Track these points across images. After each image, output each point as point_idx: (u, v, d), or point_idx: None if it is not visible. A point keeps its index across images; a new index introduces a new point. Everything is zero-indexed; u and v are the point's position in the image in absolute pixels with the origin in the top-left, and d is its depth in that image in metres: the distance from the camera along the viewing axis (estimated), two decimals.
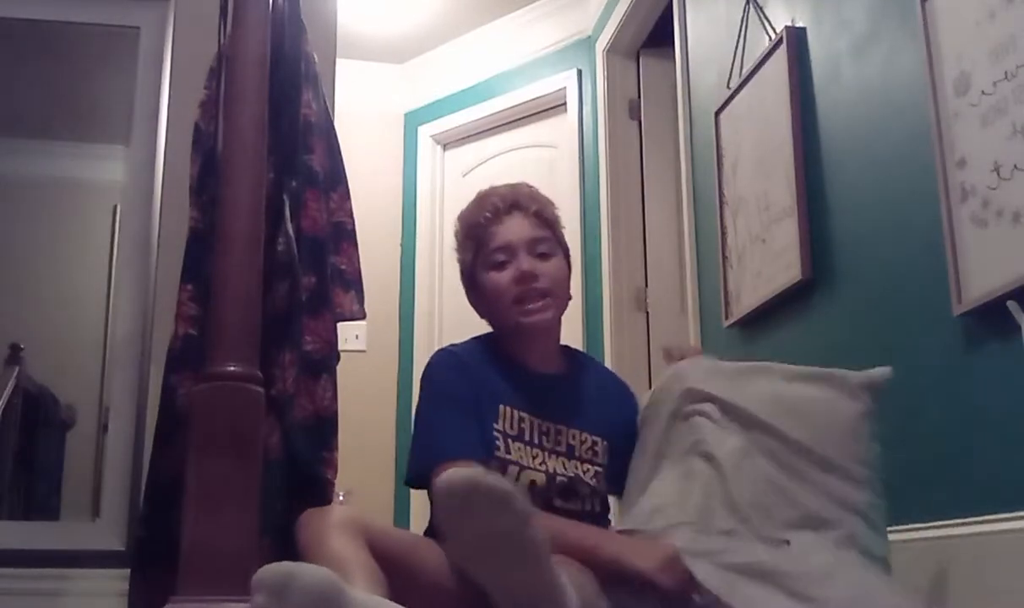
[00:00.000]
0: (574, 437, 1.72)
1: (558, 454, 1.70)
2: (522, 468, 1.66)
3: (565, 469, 1.69)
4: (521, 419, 1.69)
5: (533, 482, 1.66)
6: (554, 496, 1.66)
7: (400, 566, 1.48)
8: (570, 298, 1.82)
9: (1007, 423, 1.68)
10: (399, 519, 4.28)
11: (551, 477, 1.67)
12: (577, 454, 1.71)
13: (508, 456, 1.66)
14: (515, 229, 1.75)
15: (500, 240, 1.74)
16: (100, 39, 2.69)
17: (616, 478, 1.78)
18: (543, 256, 1.75)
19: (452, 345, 1.83)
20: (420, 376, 1.77)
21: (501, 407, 1.68)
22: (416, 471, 1.68)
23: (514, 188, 1.81)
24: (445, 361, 1.75)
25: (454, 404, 1.67)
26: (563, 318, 1.82)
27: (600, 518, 1.74)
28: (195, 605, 1.36)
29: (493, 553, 1.27)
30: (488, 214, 1.76)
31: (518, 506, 1.25)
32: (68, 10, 2.62)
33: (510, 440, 1.67)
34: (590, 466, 1.72)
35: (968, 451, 1.78)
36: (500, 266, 1.74)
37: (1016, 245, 1.65)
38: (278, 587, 1.14)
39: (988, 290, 1.71)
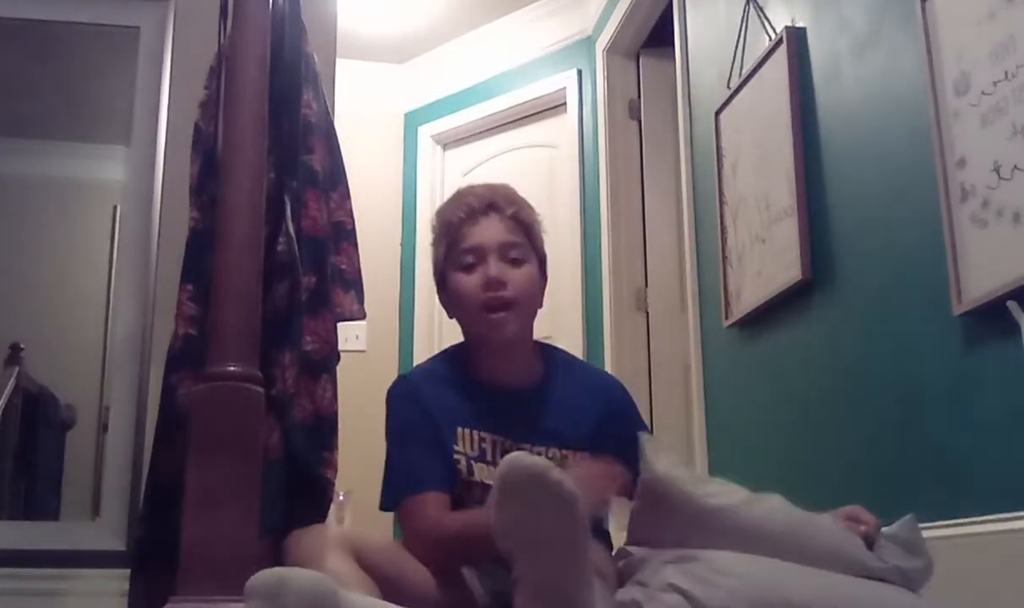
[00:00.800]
0: (539, 454, 1.61)
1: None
2: (486, 488, 1.60)
3: None
4: (482, 439, 1.65)
5: None
6: None
7: (388, 579, 1.48)
8: (540, 306, 1.75)
9: (1007, 423, 1.68)
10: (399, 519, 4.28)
11: None
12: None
13: (472, 478, 1.63)
14: (488, 231, 1.69)
15: (471, 241, 1.69)
16: (100, 39, 2.69)
17: None
18: (515, 262, 1.68)
19: (412, 370, 1.82)
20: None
21: (459, 430, 1.65)
22: (390, 502, 1.69)
23: (492, 188, 1.75)
24: (399, 392, 1.74)
25: (414, 436, 1.66)
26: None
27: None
28: (195, 605, 1.36)
29: (544, 541, 1.25)
30: (462, 213, 1.70)
31: (574, 496, 1.23)
32: (68, 10, 2.62)
33: (472, 461, 1.64)
34: None
35: (968, 451, 1.78)
36: (469, 268, 1.68)
37: (1016, 245, 1.65)
38: (271, 592, 1.13)
39: (988, 290, 1.71)
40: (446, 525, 1.57)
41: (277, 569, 1.17)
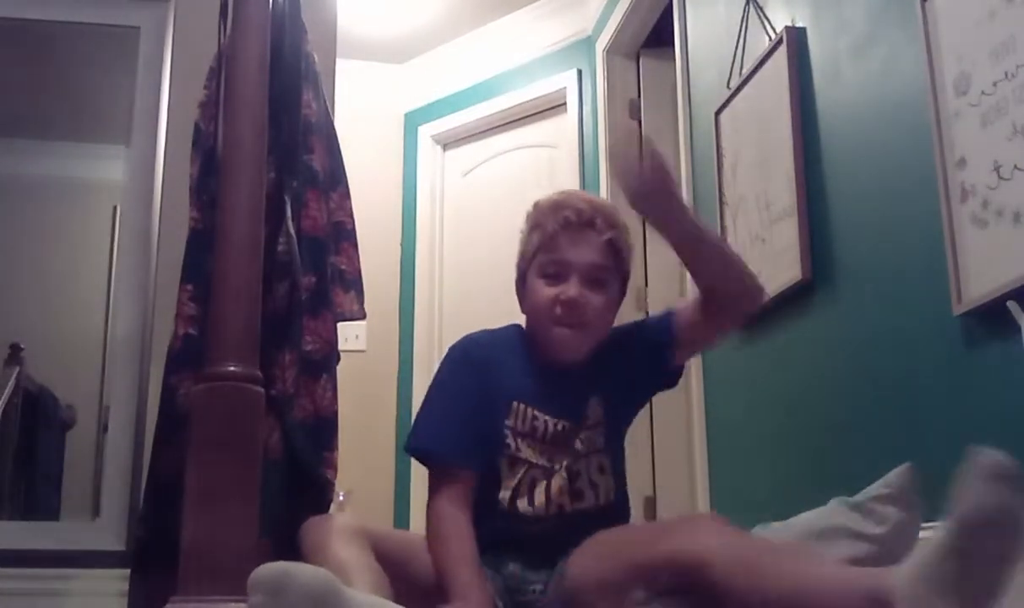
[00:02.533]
0: (582, 431, 1.68)
1: (567, 452, 1.66)
2: (531, 466, 1.64)
3: (573, 466, 1.66)
4: (534, 417, 1.66)
5: (543, 481, 1.64)
6: (564, 498, 1.64)
7: (403, 569, 1.51)
8: (611, 324, 1.73)
9: (1007, 423, 1.68)
10: (399, 519, 4.28)
11: (554, 474, 1.65)
12: (584, 449, 1.67)
13: (519, 454, 1.64)
14: (580, 250, 1.66)
15: (560, 255, 1.67)
16: (100, 39, 2.69)
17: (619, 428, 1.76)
18: (596, 284, 1.67)
19: (481, 332, 1.78)
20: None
21: (514, 403, 1.66)
22: (413, 449, 1.69)
23: (595, 206, 1.70)
24: (461, 355, 1.73)
25: (462, 402, 1.67)
26: None
27: (618, 511, 1.70)
28: (195, 605, 1.37)
29: None
30: (559, 224, 1.67)
31: None
32: (68, 10, 2.62)
33: (520, 438, 1.65)
34: (595, 457, 1.68)
35: (968, 451, 1.78)
36: (551, 278, 1.67)
37: (1016, 245, 1.65)
38: (275, 587, 1.14)
39: (988, 290, 1.70)
40: (436, 521, 1.58)
41: (282, 563, 1.18)
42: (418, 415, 1.72)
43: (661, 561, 1.37)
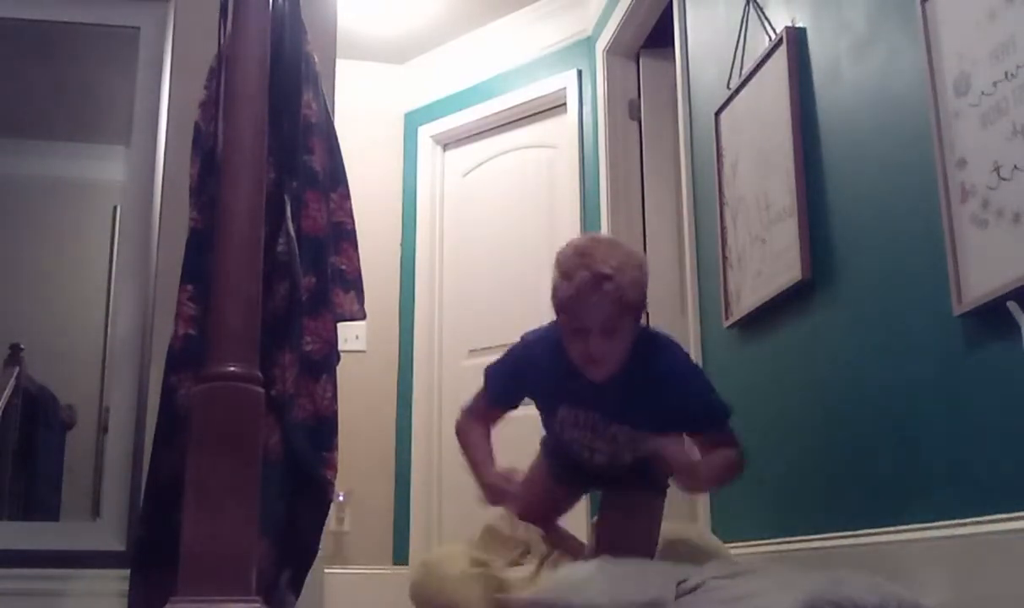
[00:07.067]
0: (617, 430, 2.00)
1: (605, 441, 2.02)
2: (573, 442, 2.05)
3: (604, 453, 2.04)
4: (576, 415, 2.01)
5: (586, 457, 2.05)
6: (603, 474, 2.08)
7: None
8: (630, 342, 1.93)
9: (1007, 423, 1.68)
10: (399, 518, 4.28)
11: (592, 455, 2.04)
12: (619, 441, 2.02)
13: (564, 435, 2.05)
14: (592, 313, 1.85)
15: (577, 321, 1.87)
16: (100, 39, 2.70)
17: None
18: (613, 330, 1.86)
19: (533, 333, 2.08)
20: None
21: (561, 409, 2.02)
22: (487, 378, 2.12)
23: (610, 263, 1.85)
24: (509, 367, 2.09)
25: (510, 375, 2.09)
26: None
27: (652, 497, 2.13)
28: (195, 605, 1.37)
29: None
30: (573, 291, 1.85)
31: None
32: (68, 10, 2.63)
33: (567, 425, 2.04)
34: (628, 454, 2.03)
35: (968, 451, 1.78)
36: (574, 333, 1.89)
37: (1016, 245, 1.65)
38: None
39: (988, 290, 1.70)
40: (462, 426, 2.10)
41: None
42: (495, 365, 2.11)
43: None
